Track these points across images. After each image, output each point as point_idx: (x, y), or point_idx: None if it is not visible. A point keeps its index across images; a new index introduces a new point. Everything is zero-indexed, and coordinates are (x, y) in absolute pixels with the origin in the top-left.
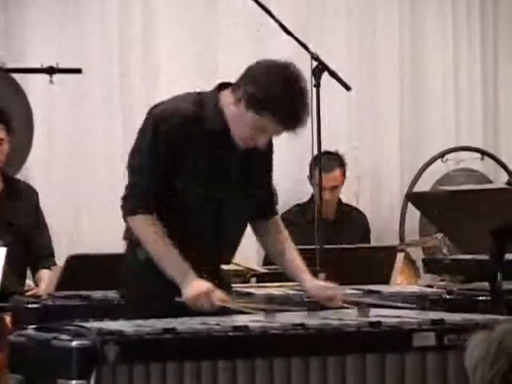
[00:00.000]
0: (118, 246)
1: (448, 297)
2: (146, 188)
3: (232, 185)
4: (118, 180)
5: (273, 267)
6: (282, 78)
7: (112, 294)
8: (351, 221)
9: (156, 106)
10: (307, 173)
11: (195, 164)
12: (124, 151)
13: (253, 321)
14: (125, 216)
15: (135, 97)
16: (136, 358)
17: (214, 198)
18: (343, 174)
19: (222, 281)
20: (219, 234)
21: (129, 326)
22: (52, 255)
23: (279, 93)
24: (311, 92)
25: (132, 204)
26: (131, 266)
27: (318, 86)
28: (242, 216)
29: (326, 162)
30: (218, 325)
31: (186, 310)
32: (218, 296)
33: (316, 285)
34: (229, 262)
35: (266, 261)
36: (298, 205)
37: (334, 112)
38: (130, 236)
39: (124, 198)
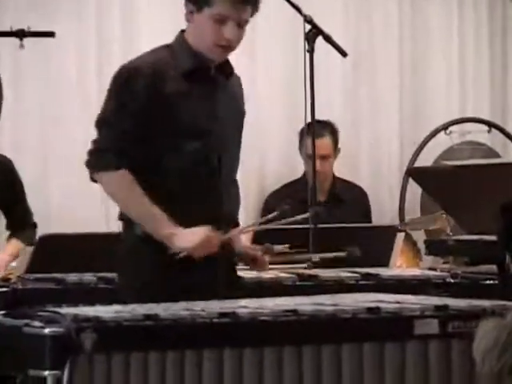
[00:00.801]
0: (93, 225)
1: (452, 281)
2: (117, 141)
3: (223, 123)
4: None
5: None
6: None
7: (88, 277)
8: (349, 199)
9: (125, 65)
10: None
11: (182, 113)
12: None
13: (241, 306)
14: (93, 172)
15: (113, 65)
16: (115, 346)
17: (210, 146)
18: (335, 144)
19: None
20: (219, 188)
21: (107, 311)
22: (30, 227)
23: None
24: (304, 58)
25: (102, 158)
26: (128, 243)
27: (311, 51)
28: (236, 162)
29: (316, 129)
30: (203, 311)
31: (189, 289)
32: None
33: (243, 245)
34: (234, 221)
35: (255, 240)
36: (288, 184)
37: (329, 81)
38: (125, 215)
39: (91, 153)
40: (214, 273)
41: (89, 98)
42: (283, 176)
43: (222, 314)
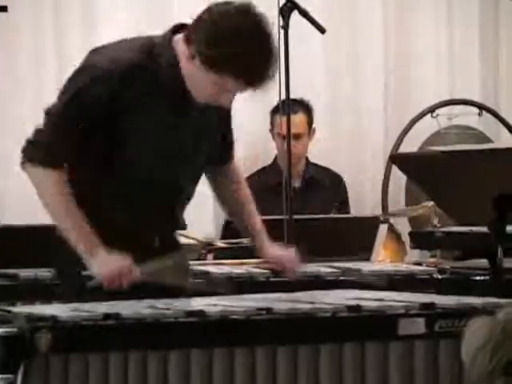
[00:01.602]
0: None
1: (440, 276)
2: (61, 138)
3: (187, 146)
4: None
5: (233, 241)
6: (240, 28)
7: (43, 273)
8: (325, 184)
9: (96, 51)
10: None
11: (144, 123)
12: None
13: (211, 304)
14: (23, 163)
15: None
16: (72, 347)
17: (167, 160)
18: (309, 123)
19: (177, 250)
20: (171, 194)
21: (64, 310)
22: None
23: (238, 48)
24: (278, 35)
25: (38, 152)
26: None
27: (286, 27)
28: (196, 175)
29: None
30: (168, 309)
31: (139, 288)
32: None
33: (275, 252)
34: (183, 227)
35: (225, 233)
36: (258, 171)
37: (306, 59)
38: None
39: (30, 142)
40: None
41: (44, 76)
42: (254, 162)
43: (190, 313)
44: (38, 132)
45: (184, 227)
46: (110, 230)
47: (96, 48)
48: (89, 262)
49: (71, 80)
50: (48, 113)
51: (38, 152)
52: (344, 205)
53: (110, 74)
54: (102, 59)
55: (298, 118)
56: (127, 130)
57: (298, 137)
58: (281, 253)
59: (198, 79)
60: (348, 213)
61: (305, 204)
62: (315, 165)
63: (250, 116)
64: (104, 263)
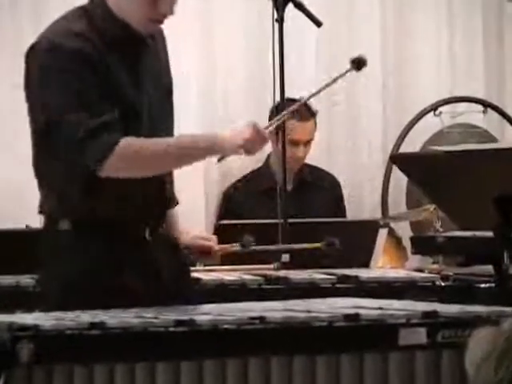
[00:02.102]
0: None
1: (442, 283)
2: (92, 118)
3: (151, 100)
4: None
5: (223, 246)
6: None
7: (26, 280)
8: (318, 185)
9: (37, 43)
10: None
11: (111, 87)
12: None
13: (200, 313)
14: (101, 170)
15: None
16: (55, 358)
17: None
18: (316, 127)
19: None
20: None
21: (46, 319)
22: None
23: None
24: (273, 28)
25: (97, 144)
26: (51, 240)
27: (281, 20)
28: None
29: (300, 110)
30: (156, 318)
31: (125, 294)
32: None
33: (192, 235)
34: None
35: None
36: (249, 173)
37: (302, 54)
38: (46, 208)
39: (82, 148)
40: (157, 274)
41: None
42: (247, 163)
43: (179, 322)
44: (78, 142)
45: (177, 203)
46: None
47: (34, 42)
48: (224, 149)
49: (42, 75)
50: (54, 119)
51: (97, 147)
52: (340, 208)
53: (65, 52)
54: (48, 41)
55: (310, 125)
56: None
57: (308, 143)
58: (197, 235)
59: (128, 1)
60: (344, 216)
61: (298, 207)
62: (309, 166)
63: (242, 115)
64: (234, 137)
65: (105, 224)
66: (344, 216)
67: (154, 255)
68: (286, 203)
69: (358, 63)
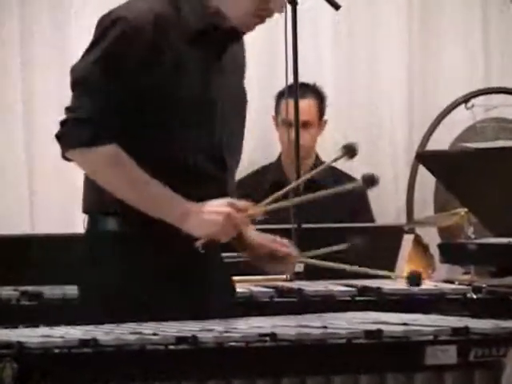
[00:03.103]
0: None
1: (474, 296)
2: (101, 110)
3: (228, 104)
4: None
5: (230, 255)
6: None
7: (8, 292)
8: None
9: (116, 9)
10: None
11: (180, 90)
12: None
13: (205, 329)
14: (67, 148)
15: None
16: (42, 379)
17: (214, 134)
18: (319, 110)
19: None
20: (224, 188)
21: (32, 335)
22: None
23: None
24: (285, 9)
25: (82, 130)
26: (96, 244)
27: (294, 1)
28: (241, 133)
29: (296, 90)
30: (155, 334)
31: (177, 307)
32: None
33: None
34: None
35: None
36: (261, 169)
37: (316, 40)
38: (91, 205)
39: (66, 124)
40: (204, 291)
41: None
42: (258, 158)
43: (180, 339)
44: (69, 110)
45: None
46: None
47: (110, 11)
48: (186, 227)
49: (97, 39)
50: (76, 82)
51: (79, 132)
52: (364, 213)
53: (141, 28)
54: (129, 12)
55: (307, 104)
56: (162, 94)
57: (305, 125)
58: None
59: None
60: (371, 222)
61: (312, 211)
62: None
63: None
64: (204, 218)
65: (153, 228)
66: (371, 221)
67: (204, 270)
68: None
69: (349, 151)
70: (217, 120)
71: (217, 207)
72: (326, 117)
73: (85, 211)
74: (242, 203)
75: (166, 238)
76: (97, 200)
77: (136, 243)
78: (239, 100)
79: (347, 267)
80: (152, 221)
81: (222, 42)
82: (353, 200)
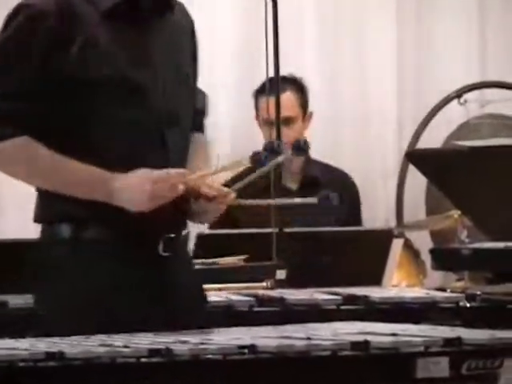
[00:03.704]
0: None
1: (468, 305)
2: (11, 100)
3: (164, 80)
4: None
5: (207, 261)
6: None
7: None
8: (330, 185)
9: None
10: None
11: (101, 68)
12: None
13: (179, 341)
14: None
15: None
16: None
17: (148, 116)
18: (302, 103)
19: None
20: (163, 146)
21: None
22: None
23: None
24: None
25: None
26: (51, 253)
27: None
28: (186, 114)
29: (271, 84)
30: (126, 347)
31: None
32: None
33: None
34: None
35: (197, 251)
36: (244, 171)
37: (301, 33)
38: (44, 213)
39: None
40: (171, 296)
41: None
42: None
43: (153, 352)
44: None
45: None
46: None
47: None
48: (116, 200)
49: (4, 30)
50: None
51: None
52: (355, 215)
53: (45, 11)
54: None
55: (286, 98)
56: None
57: (287, 122)
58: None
59: None
60: (360, 225)
61: (304, 212)
62: (317, 162)
63: (231, 100)
64: (131, 188)
65: (112, 233)
66: (360, 224)
67: (168, 274)
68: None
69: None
70: (150, 96)
71: (141, 176)
72: (310, 110)
73: (38, 218)
74: (161, 173)
75: (124, 244)
76: (50, 206)
77: (92, 250)
78: (181, 70)
79: (272, 201)
80: (109, 226)
81: (146, 13)
82: (345, 210)
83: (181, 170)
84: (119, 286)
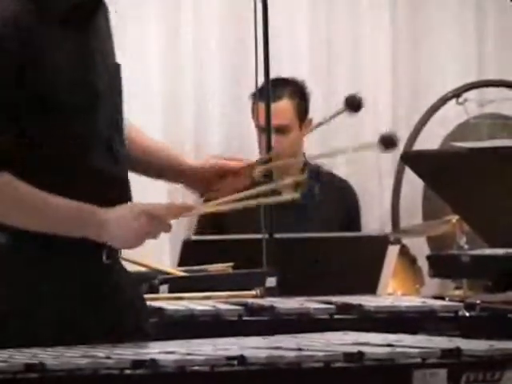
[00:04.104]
0: None
1: (467, 314)
2: None
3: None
4: None
5: (195, 268)
6: None
7: None
8: (329, 194)
9: None
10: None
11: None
12: None
13: (165, 352)
14: None
15: None
16: None
17: (99, 124)
18: (299, 111)
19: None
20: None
21: None
22: None
23: None
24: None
25: None
26: None
27: None
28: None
29: (271, 90)
30: (109, 358)
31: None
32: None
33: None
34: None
35: (184, 257)
36: None
37: (292, 28)
38: None
39: None
40: (113, 305)
41: None
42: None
43: (137, 363)
44: None
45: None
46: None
47: None
48: (104, 239)
49: None
50: None
51: None
52: (355, 223)
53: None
54: None
55: (283, 106)
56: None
57: (281, 130)
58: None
59: None
60: (359, 231)
61: (301, 219)
62: (314, 167)
63: (224, 104)
64: (120, 230)
65: (51, 240)
66: (358, 230)
67: (112, 282)
68: (286, 213)
69: (353, 105)
70: (100, 104)
71: (132, 213)
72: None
73: None
74: (157, 208)
75: (67, 252)
76: None
77: (29, 259)
78: (116, 75)
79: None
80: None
81: (87, 14)
82: (345, 215)
83: (185, 204)
84: (63, 295)
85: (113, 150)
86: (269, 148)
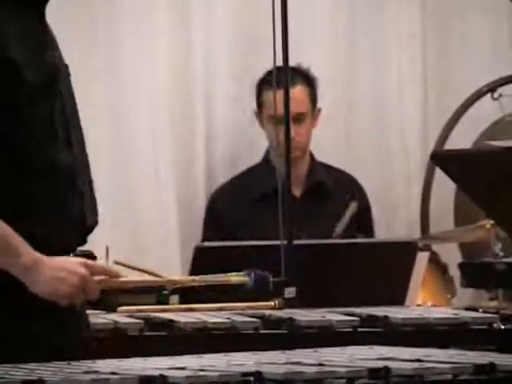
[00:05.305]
0: None
1: (502, 326)
2: None
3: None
4: None
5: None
6: None
7: None
8: (336, 194)
9: None
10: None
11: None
12: None
13: (175, 367)
14: None
15: None
16: None
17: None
18: (312, 98)
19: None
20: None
21: None
22: None
23: None
24: None
25: None
26: None
27: None
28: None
29: (279, 76)
30: (114, 374)
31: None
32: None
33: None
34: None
35: (196, 265)
36: (242, 173)
37: (314, 25)
38: None
39: None
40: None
41: None
42: (236, 161)
43: (145, 379)
44: None
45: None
46: None
47: None
48: (29, 279)
49: None
50: None
51: None
52: (365, 222)
53: None
54: None
55: (299, 92)
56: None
57: (298, 119)
58: None
59: None
60: (371, 235)
61: (309, 222)
62: (324, 165)
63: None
64: (52, 277)
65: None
66: (370, 234)
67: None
68: (292, 215)
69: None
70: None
71: (72, 265)
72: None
73: None
74: (99, 266)
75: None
76: None
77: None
78: (67, 74)
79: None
80: None
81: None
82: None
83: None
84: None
85: (70, 140)
86: (288, 138)
